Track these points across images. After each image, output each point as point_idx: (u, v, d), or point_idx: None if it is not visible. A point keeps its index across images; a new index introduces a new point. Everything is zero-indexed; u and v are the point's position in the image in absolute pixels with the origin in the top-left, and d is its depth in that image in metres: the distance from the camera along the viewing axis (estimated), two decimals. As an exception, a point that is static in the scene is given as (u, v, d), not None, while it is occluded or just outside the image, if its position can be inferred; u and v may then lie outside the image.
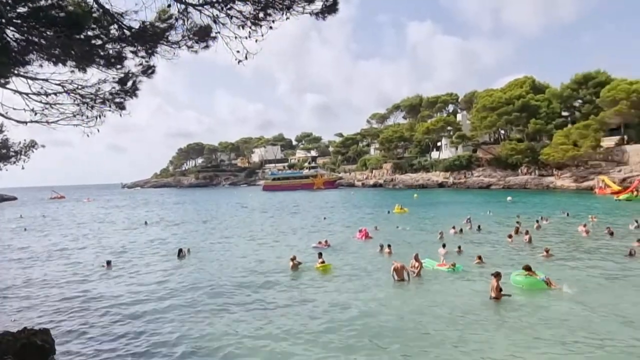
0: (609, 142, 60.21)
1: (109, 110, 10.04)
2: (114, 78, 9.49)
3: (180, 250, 20.41)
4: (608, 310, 10.70)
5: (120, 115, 10.05)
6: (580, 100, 69.30)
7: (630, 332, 9.31)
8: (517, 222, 26.04)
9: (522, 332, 9.60)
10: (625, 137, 59.99)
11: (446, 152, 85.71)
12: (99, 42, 8.46)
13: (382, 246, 19.38)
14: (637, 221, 24.17)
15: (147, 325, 10.86)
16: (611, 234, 21.19)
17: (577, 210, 32.93)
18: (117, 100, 9.89)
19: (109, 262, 18.43)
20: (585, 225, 23.14)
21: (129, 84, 9.67)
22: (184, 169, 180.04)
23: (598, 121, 58.34)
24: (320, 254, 17.11)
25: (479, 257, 16.56)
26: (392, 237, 22.78)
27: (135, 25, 8.22)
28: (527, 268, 13.35)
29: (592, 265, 15.68)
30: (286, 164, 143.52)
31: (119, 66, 9.11)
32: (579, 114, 68.08)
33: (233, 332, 10.19)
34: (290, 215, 40.66)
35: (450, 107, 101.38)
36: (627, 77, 60.33)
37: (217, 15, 8.06)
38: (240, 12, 8.02)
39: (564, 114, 72.21)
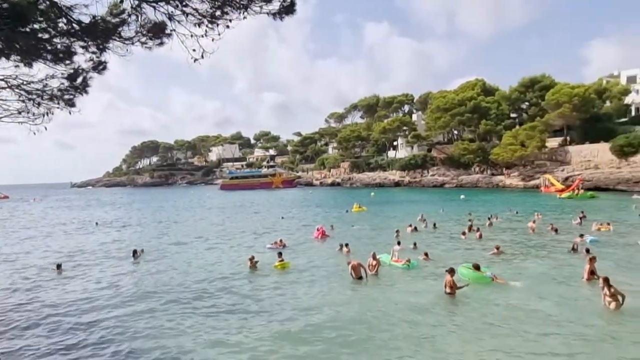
0: (553, 142, 63.66)
1: (58, 108, 9.59)
2: (62, 74, 9.07)
3: (135, 252, 19.80)
4: (555, 302, 11.35)
5: (70, 112, 9.63)
6: (527, 103, 72.91)
7: (574, 323, 9.91)
8: (470, 220, 27.04)
9: (476, 324, 10.01)
10: (568, 138, 63.54)
11: (402, 151, 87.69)
12: (46, 36, 8.06)
13: (341, 245, 19.56)
14: (582, 212, 26.36)
15: (102, 332, 10.45)
16: (555, 230, 22.33)
17: (525, 208, 34.55)
18: (66, 97, 9.46)
19: (59, 266, 17.55)
20: (534, 222, 24.35)
21: (79, 80, 9.26)
22: (138, 167, 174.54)
23: (543, 123, 61.54)
24: (280, 254, 17.12)
25: (425, 254, 17.15)
26: (349, 236, 23.07)
27: (86, 19, 7.91)
28: (476, 267, 13.92)
29: (539, 259, 16.53)
30: (244, 163, 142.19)
31: (67, 61, 8.70)
32: (526, 116, 71.57)
33: (191, 338, 9.98)
34: (248, 215, 40.27)
35: (406, 108, 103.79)
36: (569, 82, 64.24)
37: (172, 12, 7.85)
38: (196, 9, 7.87)
39: (513, 115, 75.70)
